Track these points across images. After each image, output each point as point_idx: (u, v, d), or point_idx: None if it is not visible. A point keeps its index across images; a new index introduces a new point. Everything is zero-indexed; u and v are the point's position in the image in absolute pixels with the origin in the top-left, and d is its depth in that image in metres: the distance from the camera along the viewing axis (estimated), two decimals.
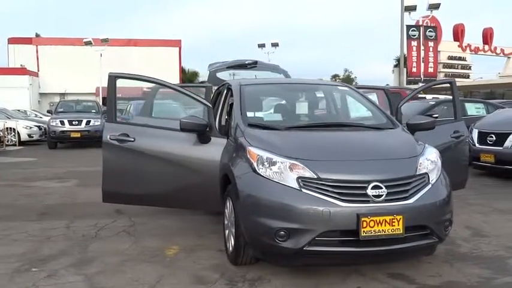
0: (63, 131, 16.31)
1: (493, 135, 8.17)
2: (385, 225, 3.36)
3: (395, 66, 51.57)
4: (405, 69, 24.11)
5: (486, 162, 8.18)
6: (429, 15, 24.88)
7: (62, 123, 16.35)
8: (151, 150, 4.55)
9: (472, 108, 11.01)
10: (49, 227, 5.40)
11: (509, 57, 42.15)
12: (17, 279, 3.76)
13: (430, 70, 24.32)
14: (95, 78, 32.37)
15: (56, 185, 8.55)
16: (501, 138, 8.02)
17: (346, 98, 5.23)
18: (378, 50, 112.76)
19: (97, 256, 4.32)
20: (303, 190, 3.43)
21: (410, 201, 3.49)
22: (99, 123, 16.73)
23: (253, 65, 7.16)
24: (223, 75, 6.88)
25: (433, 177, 3.72)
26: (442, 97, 16.98)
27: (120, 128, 4.63)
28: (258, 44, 34.71)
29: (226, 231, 4.17)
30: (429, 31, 24.00)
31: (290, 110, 5.00)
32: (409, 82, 24.44)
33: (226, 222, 4.19)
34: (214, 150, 4.41)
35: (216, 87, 5.95)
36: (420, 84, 23.95)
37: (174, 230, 5.17)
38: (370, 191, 3.41)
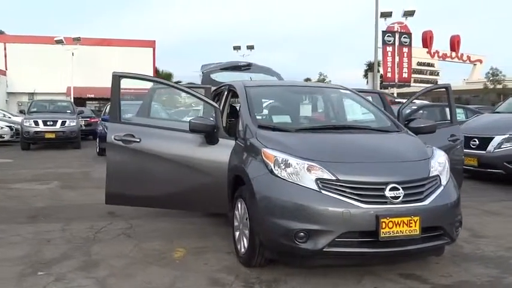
0: (37, 132, 15.88)
1: (476, 140, 8.39)
2: (402, 226, 3.42)
3: (367, 71, 52.43)
4: (378, 73, 24.54)
5: (469, 165, 8.39)
6: (402, 23, 25.49)
7: (36, 123, 15.92)
8: (158, 151, 4.49)
9: None
10: (44, 229, 5.25)
11: (475, 65, 43.48)
12: (24, 283, 3.65)
13: (405, 75, 24.86)
14: (66, 78, 31.66)
15: (39, 187, 8.32)
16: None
17: (349, 101, 5.29)
18: (349, 54, 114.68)
19: (102, 259, 4.22)
20: (323, 191, 3.46)
21: (426, 202, 3.56)
22: (74, 123, 16.40)
23: (247, 67, 7.17)
24: (218, 77, 6.86)
25: (444, 179, 3.81)
26: (418, 102, 17.32)
27: (125, 129, 4.56)
28: (234, 46, 34.63)
29: (237, 233, 4.15)
30: (404, 37, 24.53)
31: (296, 112, 5.03)
32: (382, 87, 24.92)
33: (236, 223, 4.16)
34: (222, 151, 4.39)
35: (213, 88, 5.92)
36: (394, 89, 24.49)
37: (175, 232, 5.10)
38: (388, 193, 3.47)
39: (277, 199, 3.55)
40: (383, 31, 23.61)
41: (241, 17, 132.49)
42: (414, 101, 17.47)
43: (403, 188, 3.51)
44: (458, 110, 11.82)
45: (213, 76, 6.87)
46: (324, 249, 3.39)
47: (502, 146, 8.10)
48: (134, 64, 33.16)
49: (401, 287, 3.58)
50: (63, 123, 16.13)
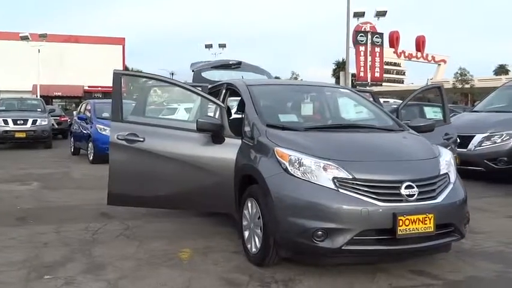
0: (6, 131, 15.36)
1: (457, 138, 8.61)
2: (418, 224, 3.48)
3: (335, 70, 52.93)
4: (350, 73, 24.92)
5: None
6: (372, 23, 25.94)
7: (6, 122, 15.40)
8: (162, 150, 4.41)
9: (431, 112, 11.51)
10: (37, 232, 5.07)
11: (439, 65, 44.75)
12: None
13: (377, 75, 25.35)
14: (32, 75, 30.75)
15: (19, 187, 8.06)
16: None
17: (350, 100, 5.34)
18: (317, 53, 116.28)
19: (107, 261, 4.11)
20: (340, 190, 3.47)
21: (438, 200, 3.63)
22: (46, 122, 15.94)
23: (237, 65, 7.12)
24: (209, 75, 6.78)
25: (452, 177, 3.90)
26: (391, 101, 17.70)
27: (128, 128, 4.47)
28: (205, 45, 34.48)
29: (246, 232, 4.11)
30: (376, 37, 25.01)
31: (300, 111, 5.03)
32: (354, 86, 25.29)
33: (246, 223, 4.13)
34: (228, 150, 4.35)
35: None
36: (368, 88, 24.86)
37: (175, 233, 5.02)
38: (403, 191, 3.52)
39: (294, 198, 3.55)
40: (356, 31, 24.00)
41: (211, 15, 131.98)
42: (388, 100, 17.85)
43: (417, 186, 3.56)
44: (436, 109, 12.09)
45: (204, 74, 6.78)
46: (342, 248, 3.41)
47: (482, 144, 8.36)
48: (103, 61, 32.61)
49: (415, 284, 3.64)
50: (34, 122, 15.67)
